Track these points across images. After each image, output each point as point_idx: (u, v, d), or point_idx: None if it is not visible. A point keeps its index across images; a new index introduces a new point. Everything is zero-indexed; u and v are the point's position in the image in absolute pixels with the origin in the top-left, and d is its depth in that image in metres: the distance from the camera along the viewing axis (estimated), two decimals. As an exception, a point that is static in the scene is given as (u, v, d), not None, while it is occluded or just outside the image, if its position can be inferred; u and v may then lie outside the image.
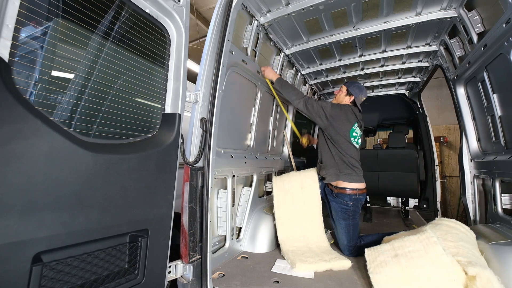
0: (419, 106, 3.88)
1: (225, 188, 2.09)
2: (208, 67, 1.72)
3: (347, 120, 2.23)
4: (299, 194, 2.37)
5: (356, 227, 2.20)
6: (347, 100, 2.36)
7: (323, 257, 2.01)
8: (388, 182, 3.45)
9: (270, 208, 2.62)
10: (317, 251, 2.14)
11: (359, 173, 2.24)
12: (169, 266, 1.48)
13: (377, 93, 4.23)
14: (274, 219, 2.37)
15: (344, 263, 1.93)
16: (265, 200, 2.78)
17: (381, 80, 3.81)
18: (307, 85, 3.80)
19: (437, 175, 3.64)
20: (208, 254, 1.62)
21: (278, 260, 2.07)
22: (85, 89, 1.15)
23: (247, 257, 2.12)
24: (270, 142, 3.11)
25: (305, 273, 1.85)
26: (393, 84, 3.94)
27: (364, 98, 2.40)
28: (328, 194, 2.35)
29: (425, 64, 3.15)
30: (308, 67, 3.40)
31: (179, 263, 1.58)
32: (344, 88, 2.40)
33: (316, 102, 2.25)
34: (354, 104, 2.36)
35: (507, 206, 1.98)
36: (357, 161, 2.26)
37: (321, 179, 2.41)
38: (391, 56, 2.98)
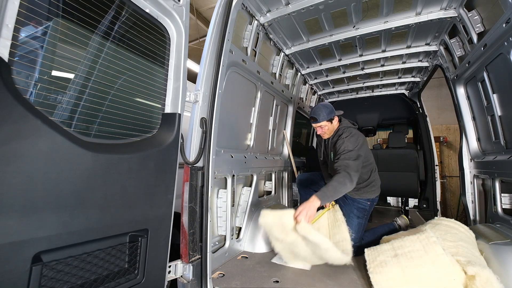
0: (419, 106, 3.88)
1: (225, 188, 2.09)
2: (208, 67, 1.72)
3: (367, 145, 2.29)
4: (304, 247, 1.89)
5: (365, 227, 2.30)
6: (336, 124, 2.28)
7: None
8: (388, 182, 3.44)
9: (270, 208, 2.61)
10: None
11: (378, 181, 2.37)
12: (169, 266, 1.48)
13: (377, 93, 4.23)
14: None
15: (342, 258, 1.78)
16: (265, 200, 2.78)
17: (381, 80, 3.82)
18: (307, 85, 3.80)
19: (437, 175, 3.63)
20: (208, 254, 1.62)
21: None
22: (85, 89, 1.15)
23: (247, 257, 2.12)
24: (270, 142, 3.11)
25: (302, 264, 1.93)
26: (393, 84, 3.95)
27: (340, 111, 2.30)
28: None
29: (425, 64, 3.15)
30: (308, 67, 3.40)
31: (179, 263, 1.58)
32: (325, 123, 2.21)
33: (353, 162, 1.99)
34: (340, 121, 2.30)
35: (507, 206, 1.98)
36: (376, 169, 2.38)
37: None
38: (391, 56, 2.98)
